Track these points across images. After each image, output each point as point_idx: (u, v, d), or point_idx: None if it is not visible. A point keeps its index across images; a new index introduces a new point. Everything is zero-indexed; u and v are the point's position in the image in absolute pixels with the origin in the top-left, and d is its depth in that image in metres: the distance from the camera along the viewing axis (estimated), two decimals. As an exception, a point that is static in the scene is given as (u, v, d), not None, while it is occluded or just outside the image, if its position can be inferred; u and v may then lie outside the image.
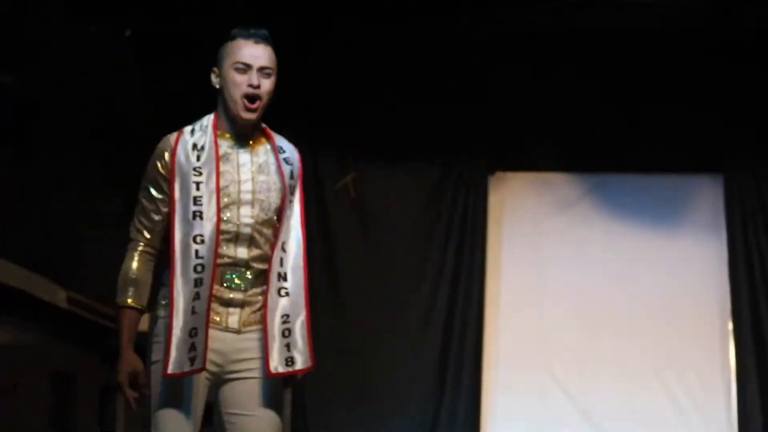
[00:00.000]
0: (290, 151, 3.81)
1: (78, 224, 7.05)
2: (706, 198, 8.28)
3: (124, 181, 7.58)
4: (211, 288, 3.56)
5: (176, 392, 3.60)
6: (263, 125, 3.80)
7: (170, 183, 3.63)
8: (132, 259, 3.69)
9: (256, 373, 3.66)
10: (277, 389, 3.69)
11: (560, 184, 8.43)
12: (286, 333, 3.61)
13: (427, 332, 8.08)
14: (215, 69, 3.72)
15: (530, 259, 8.33)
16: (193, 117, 3.83)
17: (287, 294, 3.65)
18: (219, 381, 3.68)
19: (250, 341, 3.67)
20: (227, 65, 3.67)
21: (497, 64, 8.11)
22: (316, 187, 8.05)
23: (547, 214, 8.38)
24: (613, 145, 8.22)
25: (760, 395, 7.79)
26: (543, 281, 8.28)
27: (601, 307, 8.21)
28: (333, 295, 8.07)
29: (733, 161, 8.14)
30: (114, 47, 7.28)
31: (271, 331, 3.61)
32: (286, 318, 3.63)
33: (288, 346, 3.61)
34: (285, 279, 3.66)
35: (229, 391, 3.68)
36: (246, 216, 3.65)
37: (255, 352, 3.66)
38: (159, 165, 3.66)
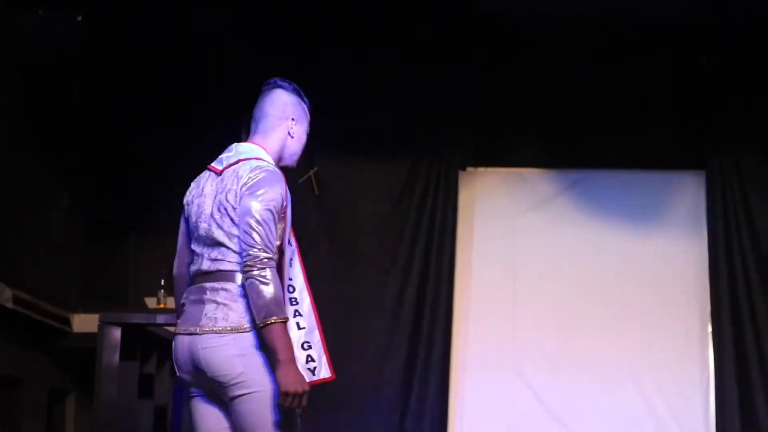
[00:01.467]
0: None
1: (23, 221, 6.77)
2: (688, 195, 8.02)
3: (70, 178, 7.41)
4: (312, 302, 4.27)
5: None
6: None
7: (285, 212, 3.99)
8: (276, 276, 3.80)
9: None
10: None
11: (535, 180, 8.16)
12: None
13: (393, 334, 7.79)
14: (294, 119, 4.17)
15: (502, 259, 8.06)
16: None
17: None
18: None
19: None
20: (304, 126, 4.23)
21: (470, 56, 7.80)
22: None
23: (520, 212, 8.11)
24: (593, 140, 7.95)
25: (739, 399, 7.53)
26: (515, 281, 8.01)
27: (576, 308, 7.95)
28: (294, 295, 7.75)
29: (715, 158, 7.86)
30: (64, 33, 6.99)
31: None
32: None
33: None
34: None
35: None
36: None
37: None
38: (282, 196, 3.95)
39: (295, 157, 4.23)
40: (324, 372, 4.25)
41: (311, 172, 7.78)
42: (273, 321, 3.69)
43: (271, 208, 3.87)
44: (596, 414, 7.79)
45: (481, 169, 8.15)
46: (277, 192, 3.92)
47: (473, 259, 8.05)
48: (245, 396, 3.77)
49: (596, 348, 7.86)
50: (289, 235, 4.09)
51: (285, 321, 3.72)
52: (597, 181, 8.09)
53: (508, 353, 7.91)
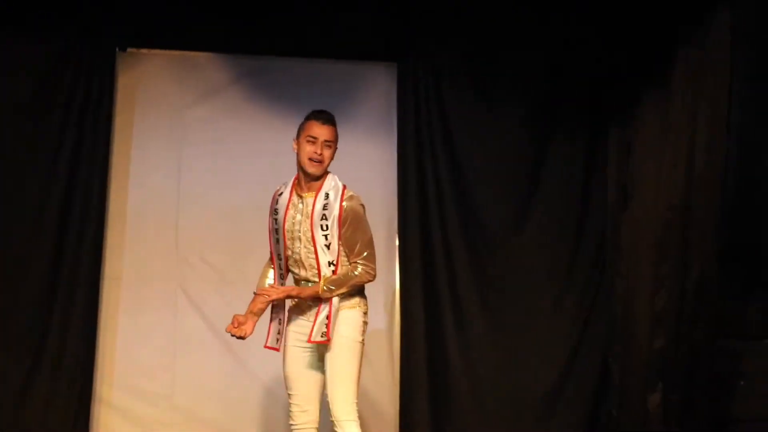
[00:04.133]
0: (334, 198, 5.30)
1: None
2: (378, 90, 7.26)
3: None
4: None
5: None
6: (328, 175, 5.36)
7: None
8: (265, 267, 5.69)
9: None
10: (338, 351, 5.23)
11: (207, 66, 7.17)
12: (326, 317, 5.24)
13: (36, 242, 6.70)
14: (295, 139, 5.42)
15: (166, 155, 7.10)
16: None
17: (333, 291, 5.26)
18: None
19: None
20: (302, 137, 5.37)
21: None
22: None
23: (188, 102, 7.14)
24: (276, 24, 7.07)
25: (426, 321, 6.97)
26: (179, 181, 7.09)
27: (248, 215, 7.04)
28: None
29: (408, 49, 7.12)
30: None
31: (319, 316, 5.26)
32: (327, 307, 5.25)
33: (325, 325, 5.22)
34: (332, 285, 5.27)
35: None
36: (299, 249, 5.34)
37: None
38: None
39: (307, 163, 5.34)
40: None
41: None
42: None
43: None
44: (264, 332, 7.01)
45: (144, 51, 7.10)
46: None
47: (132, 155, 7.05)
48: None
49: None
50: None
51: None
52: (277, 70, 7.21)
53: (171, 263, 7.04)
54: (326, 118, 5.39)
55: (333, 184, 5.34)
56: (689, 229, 6.31)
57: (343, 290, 5.25)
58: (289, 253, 5.35)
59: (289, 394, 5.35)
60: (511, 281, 7.02)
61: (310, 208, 5.29)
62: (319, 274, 5.27)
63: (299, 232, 5.30)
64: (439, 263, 6.99)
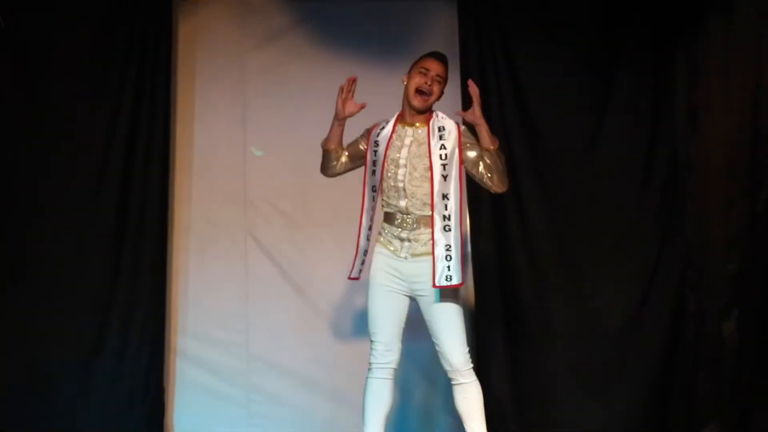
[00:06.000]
0: (447, 128, 5.25)
1: None
2: (440, 28, 7.11)
3: None
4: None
5: None
6: (433, 113, 5.32)
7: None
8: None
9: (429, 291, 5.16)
10: (446, 299, 5.15)
11: (266, 11, 7.12)
12: (448, 258, 5.09)
13: (101, 194, 6.71)
14: (405, 74, 5.35)
15: (230, 102, 7.07)
16: None
17: (450, 230, 5.12)
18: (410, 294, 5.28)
19: (420, 268, 5.17)
20: (414, 70, 5.31)
21: None
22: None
23: (249, 48, 7.10)
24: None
25: (497, 256, 6.89)
26: (245, 127, 7.05)
27: (313, 159, 6.94)
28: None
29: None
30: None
31: (437, 256, 5.10)
32: (448, 247, 5.11)
33: (448, 268, 5.08)
34: (449, 219, 5.12)
35: (420, 304, 5.24)
36: (401, 175, 5.20)
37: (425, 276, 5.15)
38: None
39: (413, 95, 5.29)
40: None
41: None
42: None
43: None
44: (340, 279, 6.95)
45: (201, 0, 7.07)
46: None
47: (196, 105, 7.03)
48: None
49: (340, 206, 6.99)
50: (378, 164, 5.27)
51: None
52: (337, 12, 7.13)
53: (239, 211, 7.02)
54: (441, 55, 5.37)
55: (444, 118, 5.30)
56: (759, 150, 6.15)
57: (501, 169, 5.21)
58: (390, 183, 5.20)
59: (372, 332, 5.26)
60: (581, 211, 6.88)
61: (422, 135, 5.23)
62: (432, 203, 5.12)
63: (404, 159, 5.19)
64: (507, 196, 6.87)
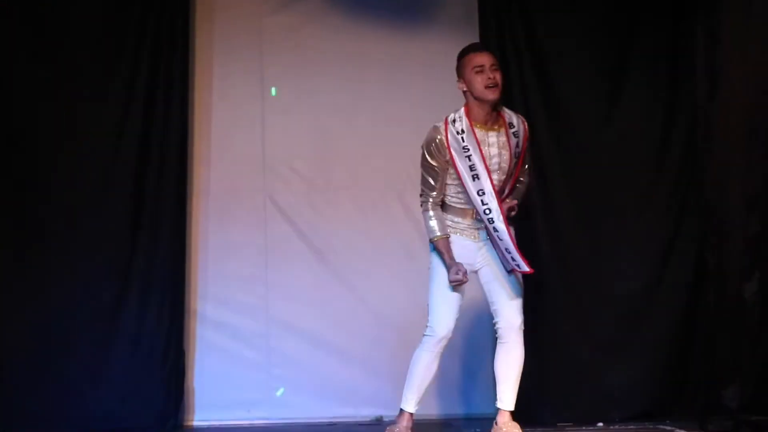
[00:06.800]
0: (517, 124, 5.44)
1: None
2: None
3: None
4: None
5: None
6: (501, 110, 5.42)
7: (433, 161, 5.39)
8: (428, 213, 5.43)
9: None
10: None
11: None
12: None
13: (120, 160, 6.69)
14: (459, 79, 5.43)
15: (249, 66, 7.05)
16: None
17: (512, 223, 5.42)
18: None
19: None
20: (467, 72, 5.36)
21: None
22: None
23: (268, 11, 7.09)
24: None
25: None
26: (264, 93, 7.04)
27: (335, 124, 7.05)
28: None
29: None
30: None
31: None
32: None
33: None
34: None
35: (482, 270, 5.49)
36: (496, 180, 5.36)
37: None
38: (424, 147, 5.40)
39: (484, 91, 5.32)
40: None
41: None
42: (433, 239, 5.38)
43: (420, 161, 5.40)
44: (360, 242, 7.03)
45: (220, -40, 7.06)
46: (422, 146, 5.40)
47: (214, 70, 7.03)
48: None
49: (358, 168, 7.05)
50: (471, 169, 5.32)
51: (439, 239, 5.35)
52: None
53: (260, 177, 7.03)
54: (480, 45, 5.53)
55: (509, 112, 5.46)
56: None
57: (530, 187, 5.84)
58: (495, 187, 5.33)
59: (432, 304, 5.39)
60: (600, 175, 6.85)
61: (504, 139, 5.37)
62: (499, 201, 5.33)
63: (497, 165, 5.34)
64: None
